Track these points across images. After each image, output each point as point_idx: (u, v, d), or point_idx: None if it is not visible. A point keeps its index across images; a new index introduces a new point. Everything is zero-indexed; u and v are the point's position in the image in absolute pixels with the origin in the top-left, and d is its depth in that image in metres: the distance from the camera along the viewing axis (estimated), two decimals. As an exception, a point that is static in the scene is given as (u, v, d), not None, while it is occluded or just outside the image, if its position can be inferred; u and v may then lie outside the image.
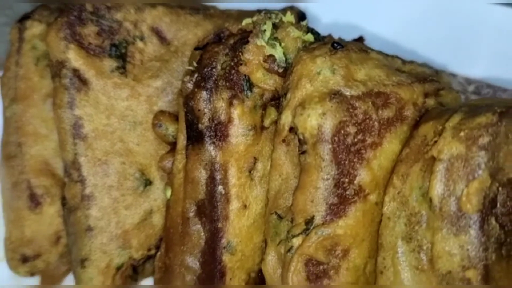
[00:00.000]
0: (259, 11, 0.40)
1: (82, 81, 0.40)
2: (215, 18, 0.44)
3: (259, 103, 0.37)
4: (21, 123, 0.46)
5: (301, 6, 0.47)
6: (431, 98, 0.35)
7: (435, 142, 0.28)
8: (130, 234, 0.41)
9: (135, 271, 0.42)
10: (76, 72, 0.40)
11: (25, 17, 0.47)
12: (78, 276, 0.40)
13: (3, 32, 0.50)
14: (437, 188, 0.27)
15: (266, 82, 0.36)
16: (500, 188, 0.27)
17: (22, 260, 0.45)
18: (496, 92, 0.50)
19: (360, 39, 0.46)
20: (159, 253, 0.40)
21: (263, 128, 0.37)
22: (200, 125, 0.35)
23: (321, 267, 0.31)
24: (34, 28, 0.46)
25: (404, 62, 0.39)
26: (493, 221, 0.26)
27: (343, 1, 0.51)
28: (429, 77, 0.37)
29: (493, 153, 0.26)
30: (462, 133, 0.27)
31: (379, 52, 0.37)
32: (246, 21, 0.38)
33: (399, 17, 0.51)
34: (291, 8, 0.44)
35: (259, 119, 0.37)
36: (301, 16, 0.45)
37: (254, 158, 0.37)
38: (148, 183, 0.42)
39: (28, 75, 0.46)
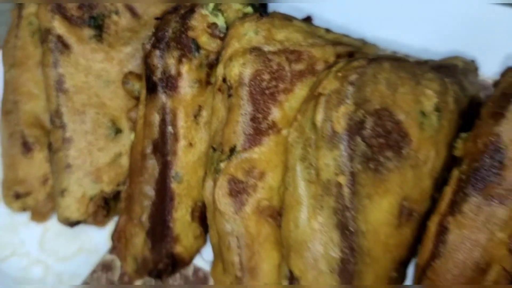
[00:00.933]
0: None
1: (65, 46, 0.49)
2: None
3: (204, 62, 0.45)
4: (17, 84, 0.54)
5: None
6: (343, 59, 0.43)
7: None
8: (102, 172, 0.50)
9: (107, 203, 0.51)
10: (60, 38, 0.48)
11: (21, 0, 0.56)
12: (59, 204, 0.49)
13: (7, 17, 0.59)
14: (319, 115, 0.35)
15: (210, 45, 0.45)
16: (367, 116, 0.35)
17: (15, 197, 0.54)
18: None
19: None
20: (125, 187, 0.49)
21: (208, 83, 0.46)
22: (154, 78, 0.44)
23: (240, 185, 0.39)
24: (31, 8, 0.55)
25: (328, 31, 0.47)
26: (359, 140, 0.34)
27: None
28: (347, 43, 0.46)
29: (359, 88, 0.34)
30: (339, 74, 0.35)
31: (304, 22, 0.45)
32: (196, -4, 0.46)
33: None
34: None
35: (205, 75, 0.45)
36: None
37: (200, 106, 0.45)
38: (118, 131, 0.51)
39: (24, 45, 0.55)
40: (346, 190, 0.34)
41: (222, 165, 0.40)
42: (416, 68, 0.39)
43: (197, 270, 0.51)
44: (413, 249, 0.41)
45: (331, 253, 0.36)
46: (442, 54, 0.48)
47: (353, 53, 0.45)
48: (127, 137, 0.51)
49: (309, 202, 0.37)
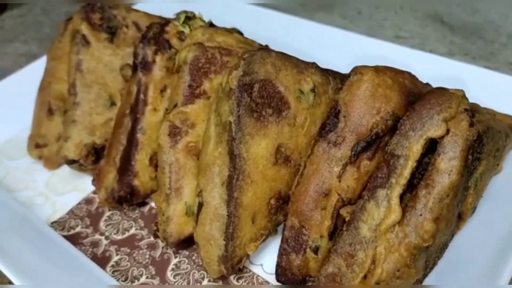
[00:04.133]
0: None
1: (86, 41, 0.72)
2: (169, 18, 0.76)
3: (173, 56, 0.66)
4: (53, 71, 0.78)
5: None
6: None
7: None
8: (96, 128, 0.70)
9: (96, 152, 0.70)
10: (84, 36, 0.72)
11: (69, 19, 0.81)
12: (63, 146, 0.69)
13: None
14: (224, 80, 0.54)
15: (178, 45, 0.66)
16: (254, 82, 0.53)
17: (35, 146, 0.75)
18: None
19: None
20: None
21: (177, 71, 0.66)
22: (136, 61, 0.65)
23: (177, 129, 0.58)
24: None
25: (261, 45, 0.67)
26: (245, 95, 0.53)
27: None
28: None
29: (249, 63, 0.53)
30: (239, 55, 0.55)
31: (241, 35, 0.66)
32: (175, 14, 0.69)
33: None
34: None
35: (172, 65, 0.66)
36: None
37: (165, 85, 0.66)
38: (113, 103, 0.72)
39: (64, 47, 0.78)
40: (233, 126, 0.52)
41: (167, 116, 0.59)
42: (302, 63, 0.58)
43: (151, 208, 0.69)
44: (293, 190, 0.57)
45: (223, 172, 0.53)
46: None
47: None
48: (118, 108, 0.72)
49: (215, 139, 0.55)
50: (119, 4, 0.76)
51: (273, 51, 0.56)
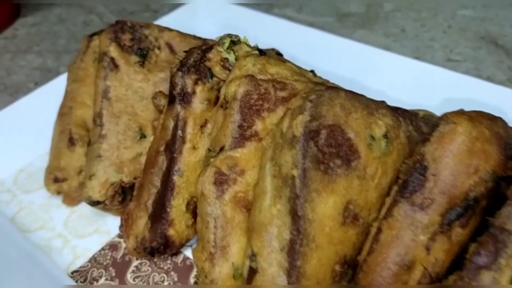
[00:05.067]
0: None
1: (115, 65, 0.63)
2: (208, 40, 0.68)
3: (215, 87, 0.58)
4: (75, 95, 0.70)
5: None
6: (322, 95, 0.55)
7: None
8: (124, 165, 0.62)
9: (123, 191, 0.62)
10: (112, 59, 0.63)
11: (93, 34, 0.73)
12: (86, 185, 0.61)
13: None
14: (285, 124, 0.45)
15: (221, 74, 0.58)
16: (322, 127, 0.45)
17: (53, 180, 0.67)
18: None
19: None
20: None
21: (216, 103, 0.58)
22: (174, 92, 0.57)
23: (224, 177, 0.50)
24: (97, 41, 0.71)
25: (315, 75, 0.59)
26: (312, 144, 0.44)
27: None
28: (327, 84, 0.57)
29: (316, 105, 0.45)
30: (304, 94, 0.46)
31: (294, 64, 0.57)
32: (217, 38, 0.60)
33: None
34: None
35: (214, 96, 0.58)
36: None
37: (206, 119, 0.57)
38: (143, 136, 0.63)
39: (87, 67, 0.70)
40: (297, 182, 0.44)
41: (212, 160, 0.51)
42: (371, 103, 0.49)
43: (185, 258, 0.60)
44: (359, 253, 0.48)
45: (283, 234, 0.45)
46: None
47: (333, 93, 0.56)
48: (149, 142, 0.63)
49: (272, 193, 0.46)
50: (151, 23, 0.67)
51: (342, 89, 0.48)
